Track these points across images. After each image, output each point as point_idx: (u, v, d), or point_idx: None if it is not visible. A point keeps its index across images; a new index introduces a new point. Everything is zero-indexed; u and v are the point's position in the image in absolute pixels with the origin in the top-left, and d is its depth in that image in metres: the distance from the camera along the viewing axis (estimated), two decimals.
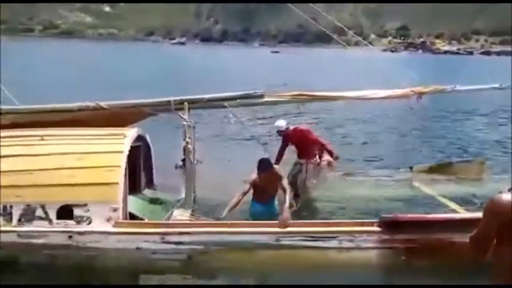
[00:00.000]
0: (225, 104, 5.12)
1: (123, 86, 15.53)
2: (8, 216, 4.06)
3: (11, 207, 4.05)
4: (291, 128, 6.05)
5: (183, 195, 5.00)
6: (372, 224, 4.12)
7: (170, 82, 18.66)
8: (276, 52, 62.80)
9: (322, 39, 71.50)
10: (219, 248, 4.03)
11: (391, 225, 4.01)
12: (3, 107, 4.85)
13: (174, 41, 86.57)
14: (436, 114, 12.60)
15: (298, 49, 67.25)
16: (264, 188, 4.66)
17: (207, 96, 5.16)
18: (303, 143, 5.92)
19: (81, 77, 19.51)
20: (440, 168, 6.32)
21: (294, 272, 3.96)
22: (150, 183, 5.50)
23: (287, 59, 46.11)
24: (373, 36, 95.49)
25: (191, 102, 5.01)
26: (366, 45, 7.93)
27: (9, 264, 3.92)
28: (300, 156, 5.93)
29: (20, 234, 4.01)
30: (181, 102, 4.97)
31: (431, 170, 6.31)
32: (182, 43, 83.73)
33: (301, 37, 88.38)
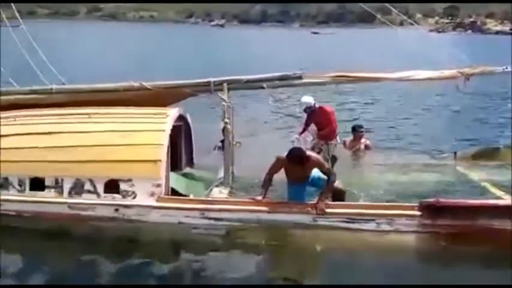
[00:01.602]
0: (264, 85, 5.14)
1: (162, 68, 15.87)
2: (59, 189, 4.34)
3: (62, 180, 4.33)
4: (317, 106, 6.00)
5: (222, 174, 5.12)
6: (412, 208, 4.05)
7: (209, 64, 18.83)
8: (316, 33, 61.54)
9: (364, 19, 69.15)
10: (256, 226, 4.13)
11: (432, 210, 3.94)
12: (55, 86, 5.10)
13: (213, 23, 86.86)
14: (484, 96, 11.98)
15: (339, 30, 65.47)
16: (297, 172, 4.41)
17: (245, 77, 5.21)
18: (326, 123, 5.88)
19: (123, 58, 20.09)
20: (486, 154, 6.05)
21: (329, 253, 3.99)
22: (190, 162, 5.67)
23: (327, 40, 45.12)
24: (419, 15, 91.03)
25: (230, 83, 5.08)
26: (411, 24, 7.57)
27: (61, 235, 4.20)
28: (320, 137, 5.90)
29: (70, 205, 4.29)
30: (221, 83, 5.06)
31: (476, 156, 6.05)
32: (221, 25, 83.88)
33: (342, 17, 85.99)
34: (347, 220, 4.02)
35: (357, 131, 6.60)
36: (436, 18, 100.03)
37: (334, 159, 5.12)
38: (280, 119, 8.56)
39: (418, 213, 3.99)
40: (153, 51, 26.23)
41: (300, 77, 5.11)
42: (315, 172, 4.29)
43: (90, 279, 3.66)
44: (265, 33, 55.31)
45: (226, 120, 4.96)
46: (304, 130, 6.10)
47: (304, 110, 6.03)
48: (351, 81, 5.31)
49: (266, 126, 8.27)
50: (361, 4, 6.99)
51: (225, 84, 5.02)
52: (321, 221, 4.04)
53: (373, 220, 4.00)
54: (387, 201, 4.34)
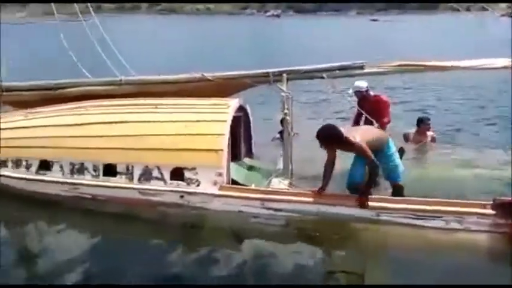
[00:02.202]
0: (324, 75, 5.07)
1: (219, 59, 16.15)
2: (130, 175, 4.62)
3: (132, 167, 4.60)
4: (372, 93, 5.76)
5: (281, 166, 5.15)
6: (483, 206, 3.83)
7: (266, 54, 18.89)
8: (375, 20, 59.27)
9: (427, 5, 65.33)
10: (315, 218, 4.13)
11: (507, 209, 3.69)
12: (124, 77, 5.39)
13: (268, 14, 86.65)
14: None
15: (399, 16, 62.50)
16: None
17: (305, 67, 5.16)
18: (379, 113, 5.58)
19: (183, 50, 20.71)
20: None
21: (391, 249, 3.89)
22: (249, 152, 5.76)
23: (387, 27, 43.29)
24: None
25: (289, 73, 5.06)
26: (484, 9, 7.00)
27: (129, 218, 4.47)
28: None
29: (140, 191, 4.55)
30: (280, 73, 5.04)
31: None
32: (277, 15, 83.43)
33: (403, 3, 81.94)
34: (412, 216, 3.88)
35: (424, 123, 6.25)
36: (509, 3, 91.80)
37: (402, 151, 4.87)
38: (340, 110, 8.40)
39: (491, 211, 3.76)
40: (210, 42, 26.78)
41: (361, 67, 4.97)
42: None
43: (155, 262, 3.84)
44: (321, 22, 54.20)
45: (286, 111, 4.96)
46: (357, 121, 5.81)
47: (355, 93, 5.78)
48: (416, 70, 5.07)
49: (325, 117, 8.17)
50: None
51: (284, 74, 5.01)
52: (384, 217, 3.94)
53: (441, 217, 3.83)
54: (456, 198, 4.11)
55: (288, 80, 5.02)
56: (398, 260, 3.76)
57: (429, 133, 6.29)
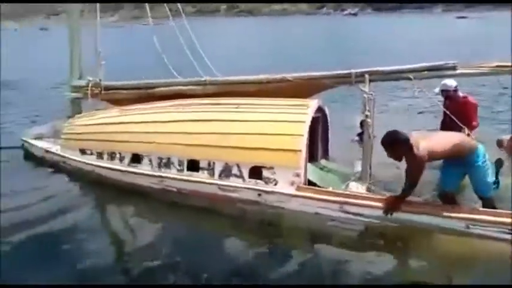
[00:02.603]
0: (411, 76, 4.83)
1: (296, 58, 16.17)
2: (211, 171, 4.84)
3: (213, 163, 4.82)
4: (460, 94, 5.32)
5: (359, 169, 5.04)
6: None
7: (343, 54, 18.51)
8: (463, 18, 55.18)
9: None
10: (396, 226, 3.98)
11: None
12: (208, 78, 5.65)
13: (345, 12, 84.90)
14: None
15: (490, 13, 57.40)
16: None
17: (389, 68, 4.95)
18: (466, 116, 5.12)
19: (260, 50, 21.05)
20: None
21: (478, 265, 3.61)
22: (325, 154, 5.71)
23: (476, 25, 40.03)
24: None
25: (372, 74, 4.90)
26: None
27: (209, 212, 4.67)
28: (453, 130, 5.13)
29: (220, 187, 4.75)
30: (362, 74, 4.90)
31: None
32: (354, 14, 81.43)
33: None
34: (506, 231, 3.58)
35: None
36: None
37: (500, 163, 4.38)
38: (425, 112, 7.98)
39: None
40: (287, 43, 26.91)
41: (453, 68, 4.64)
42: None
43: (229, 256, 3.98)
44: (402, 20, 51.72)
45: (367, 113, 4.84)
46: (445, 124, 5.34)
47: (441, 92, 5.37)
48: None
49: (407, 119, 7.82)
50: None
51: (366, 75, 4.87)
52: (475, 229, 3.68)
53: None
54: None
55: (370, 81, 4.89)
56: (481, 274, 3.49)
57: None
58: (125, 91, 6.10)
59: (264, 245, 4.11)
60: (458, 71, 4.68)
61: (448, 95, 5.41)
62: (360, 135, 5.24)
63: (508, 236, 3.60)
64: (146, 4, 6.47)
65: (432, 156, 3.73)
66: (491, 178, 3.96)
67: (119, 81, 6.29)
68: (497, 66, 4.59)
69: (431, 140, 3.78)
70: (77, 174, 5.75)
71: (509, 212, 3.76)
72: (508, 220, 3.64)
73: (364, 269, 3.65)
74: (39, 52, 24.91)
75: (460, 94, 5.48)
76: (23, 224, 4.54)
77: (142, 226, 4.57)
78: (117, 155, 5.45)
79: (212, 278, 3.63)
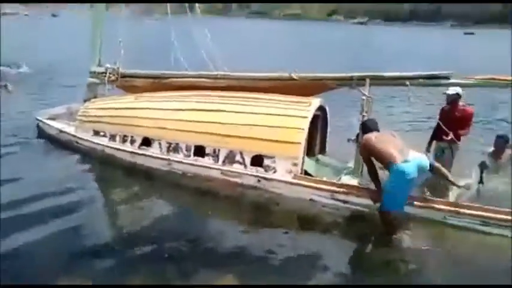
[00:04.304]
0: (407, 82, 5.17)
1: (305, 60, 16.49)
2: (215, 157, 5.23)
3: (218, 150, 5.21)
4: (460, 102, 5.68)
5: (351, 164, 5.41)
6: None
7: (349, 60, 18.88)
8: (471, 34, 55.53)
9: None
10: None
11: None
12: (220, 72, 6.02)
13: (354, 21, 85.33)
14: None
15: (499, 31, 57.78)
16: (395, 141, 4.26)
17: (389, 73, 5.29)
18: (462, 123, 5.48)
19: (271, 51, 21.37)
20: None
21: (453, 253, 3.98)
22: (322, 149, 6.08)
23: (483, 41, 40.38)
24: None
25: (372, 78, 5.24)
26: None
27: (211, 194, 5.05)
28: (456, 136, 5.46)
29: (222, 172, 5.14)
30: (363, 78, 5.24)
31: None
32: (362, 23, 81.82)
33: (504, 17, 75.43)
34: (480, 223, 3.96)
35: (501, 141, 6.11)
36: None
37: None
38: (418, 118, 8.35)
39: None
40: (297, 46, 27.28)
41: (447, 77, 5.00)
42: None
43: (225, 234, 4.29)
44: (410, 32, 52.10)
45: (365, 113, 5.20)
46: (440, 131, 5.61)
47: (452, 96, 5.54)
48: (504, 85, 5.00)
49: (401, 124, 8.19)
50: None
51: (367, 79, 5.23)
52: (452, 220, 4.06)
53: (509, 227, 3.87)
54: None
55: (370, 84, 5.23)
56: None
57: (508, 151, 6.10)
58: (140, 79, 6.49)
59: (258, 228, 4.48)
60: (451, 81, 5.03)
61: (454, 101, 5.72)
62: (358, 136, 5.60)
63: (482, 228, 3.99)
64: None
65: (367, 148, 4.25)
66: (398, 197, 4.08)
67: (135, 70, 6.66)
68: (491, 78, 4.92)
69: (380, 136, 4.31)
70: (89, 154, 6.13)
71: (485, 206, 4.15)
72: (482, 213, 4.03)
73: (348, 250, 4.06)
74: (53, 38, 25.30)
75: (460, 103, 5.82)
76: (31, 198, 4.73)
77: (146, 205, 4.89)
78: (129, 138, 5.84)
79: (211, 256, 3.92)
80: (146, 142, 5.73)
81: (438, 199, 4.29)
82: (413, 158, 4.03)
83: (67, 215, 4.48)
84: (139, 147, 5.75)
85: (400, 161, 3.96)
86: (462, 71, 5.30)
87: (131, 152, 5.75)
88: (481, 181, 4.79)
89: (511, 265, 3.66)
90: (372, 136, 4.30)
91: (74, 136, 6.39)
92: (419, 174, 4.03)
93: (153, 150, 5.63)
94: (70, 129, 6.54)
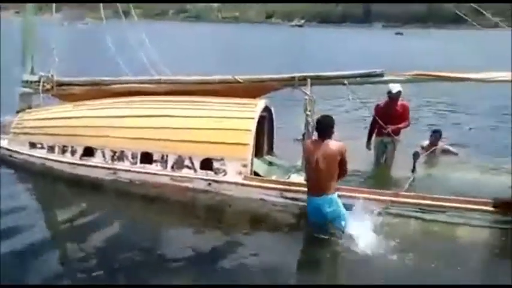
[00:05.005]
0: (345, 81, 5.43)
1: (241, 64, 16.69)
2: (164, 163, 5.15)
3: (166, 156, 5.14)
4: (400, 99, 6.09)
5: (299, 163, 5.58)
6: (486, 204, 4.19)
7: (289, 62, 19.37)
8: (400, 34, 59.25)
9: (455, 20, 64.72)
10: None
11: (506, 207, 4.04)
12: (163, 77, 5.94)
13: (292, 23, 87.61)
14: None
15: (425, 31, 62.27)
16: (318, 171, 4.11)
17: (328, 73, 5.52)
18: (403, 118, 5.96)
19: (211, 54, 21.34)
20: None
21: (398, 240, 4.24)
22: (270, 150, 6.21)
23: (411, 41, 43.27)
24: None
25: (313, 78, 5.43)
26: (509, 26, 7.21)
27: (161, 200, 4.97)
28: (396, 130, 5.94)
29: (172, 177, 5.08)
30: (304, 78, 5.41)
31: None
32: (299, 25, 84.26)
33: (429, 18, 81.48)
34: (418, 210, 4.27)
35: (435, 135, 6.67)
36: None
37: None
38: (357, 117, 8.78)
39: (492, 209, 4.13)
40: (235, 49, 27.48)
41: (381, 75, 5.32)
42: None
43: (180, 240, 4.28)
44: (344, 34, 54.50)
45: (308, 112, 5.39)
46: (376, 125, 6.02)
47: (395, 94, 5.95)
48: (430, 79, 5.40)
49: (343, 122, 8.55)
50: (451, 5, 6.85)
51: (308, 79, 5.42)
52: (393, 209, 4.34)
53: (444, 212, 4.21)
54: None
55: (311, 84, 5.43)
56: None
57: (440, 144, 6.65)
58: (78, 87, 6.21)
59: (212, 230, 4.50)
60: (384, 78, 5.37)
61: (394, 97, 6.07)
62: (304, 135, 5.79)
63: (420, 215, 4.30)
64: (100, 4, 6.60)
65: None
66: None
67: (72, 78, 6.37)
68: (416, 74, 5.33)
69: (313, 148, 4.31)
70: (25, 168, 5.77)
71: (422, 194, 4.47)
72: (420, 201, 4.35)
73: (298, 246, 4.21)
74: None
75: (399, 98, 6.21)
76: None
77: (94, 218, 4.70)
78: (69, 148, 5.58)
79: (165, 262, 3.87)
80: (88, 152, 5.51)
81: (380, 190, 4.56)
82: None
83: (6, 239, 4.09)
84: (81, 158, 5.51)
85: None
86: (395, 69, 5.67)
87: (73, 164, 5.50)
88: (414, 169, 5.25)
89: (451, 247, 4.00)
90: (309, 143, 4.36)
91: (9, 150, 5.99)
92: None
93: (96, 159, 5.43)
94: (3, 142, 6.11)
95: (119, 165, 5.31)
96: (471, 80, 5.32)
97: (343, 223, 4.11)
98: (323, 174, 4.10)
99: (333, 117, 4.38)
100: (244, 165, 4.89)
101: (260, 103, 5.41)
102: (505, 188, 5.11)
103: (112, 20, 6.77)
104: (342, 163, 4.12)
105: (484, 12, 6.90)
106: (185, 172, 5.05)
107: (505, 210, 4.07)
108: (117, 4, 6.81)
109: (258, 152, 5.75)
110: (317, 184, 4.16)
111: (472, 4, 6.81)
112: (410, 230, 4.23)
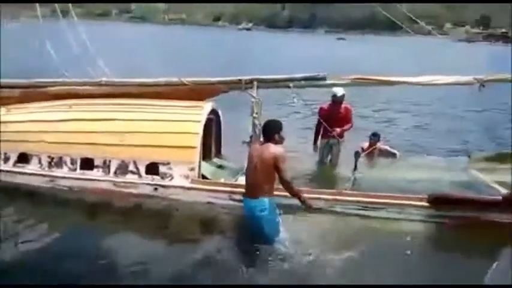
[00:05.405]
0: (290, 84, 5.54)
1: (190, 66, 16.47)
2: (106, 168, 4.94)
3: (109, 161, 4.92)
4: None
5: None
6: (421, 200, 4.46)
7: (236, 65, 19.43)
8: (342, 39, 61.70)
9: (392, 27, 68.59)
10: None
11: (438, 201, 4.33)
12: (105, 79, 5.68)
13: (240, 27, 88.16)
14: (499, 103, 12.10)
15: (365, 37, 65.42)
16: (254, 173, 4.08)
17: (273, 76, 5.60)
18: (346, 120, 6.23)
19: (154, 56, 20.84)
20: (499, 158, 6.33)
21: (342, 236, 4.37)
22: (218, 152, 6.19)
23: (352, 46, 45.21)
24: (448, 25, 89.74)
25: (260, 81, 5.49)
26: (441, 34, 7.76)
27: (104, 207, 4.78)
28: (341, 132, 6.21)
29: (115, 183, 4.88)
30: (251, 81, 5.46)
31: (489, 159, 6.35)
32: (248, 29, 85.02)
33: (369, 25, 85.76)
34: (360, 208, 4.45)
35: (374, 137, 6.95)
36: (467, 27, 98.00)
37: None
38: (303, 119, 8.99)
39: (426, 204, 4.41)
40: (181, 51, 27.07)
41: (324, 78, 5.50)
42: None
43: (126, 247, 4.14)
44: (290, 38, 55.76)
45: (255, 115, 5.43)
46: (321, 127, 6.23)
47: (341, 97, 6.14)
48: (370, 83, 5.65)
49: (289, 125, 8.71)
50: (387, 14, 7.22)
51: (254, 82, 5.46)
52: (337, 208, 4.48)
53: (384, 208, 4.42)
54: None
55: (258, 87, 5.48)
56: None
57: (379, 144, 7.00)
58: (8, 90, 5.77)
59: (159, 235, 4.39)
60: (327, 81, 5.55)
61: (338, 100, 6.27)
62: (251, 137, 5.81)
63: (361, 212, 4.48)
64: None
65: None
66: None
67: (3, 80, 5.91)
68: (356, 78, 5.56)
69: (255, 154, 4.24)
70: None
71: (363, 192, 4.66)
72: (362, 199, 4.54)
73: (247, 248, 4.15)
74: None
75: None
76: None
77: (32, 229, 4.45)
78: (2, 156, 5.18)
79: (112, 271, 3.74)
80: (23, 158, 5.14)
81: (324, 189, 4.69)
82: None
83: None
84: (14, 165, 5.14)
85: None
86: (338, 72, 5.89)
87: (6, 171, 5.11)
88: (355, 168, 5.54)
89: (391, 242, 4.20)
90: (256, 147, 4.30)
91: None
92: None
93: (32, 166, 5.09)
94: None
95: (56, 171, 5.02)
96: (408, 84, 5.64)
97: (274, 231, 4.12)
98: (259, 177, 4.06)
99: (281, 121, 4.35)
100: (192, 169, 4.81)
101: (207, 106, 5.36)
102: (439, 184, 5.50)
103: (49, 19, 6.39)
104: (277, 170, 3.99)
105: (417, 21, 7.39)
106: (129, 177, 4.88)
107: (438, 205, 4.36)
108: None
109: (205, 155, 5.69)
110: (252, 186, 4.16)
111: (407, 13, 7.27)
112: (353, 227, 4.39)
